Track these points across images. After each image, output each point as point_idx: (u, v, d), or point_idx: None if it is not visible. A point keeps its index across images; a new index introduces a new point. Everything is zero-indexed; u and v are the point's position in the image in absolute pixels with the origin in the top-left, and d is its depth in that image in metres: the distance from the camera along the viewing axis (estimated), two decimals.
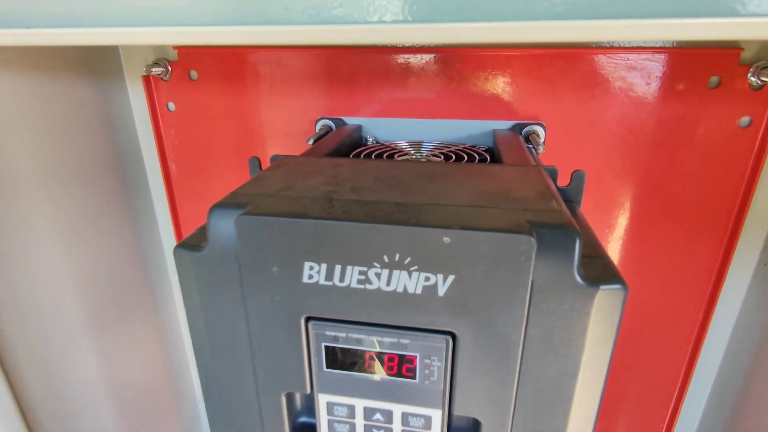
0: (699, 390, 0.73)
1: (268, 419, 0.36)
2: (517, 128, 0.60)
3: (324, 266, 0.29)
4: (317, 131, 0.65)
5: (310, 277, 0.29)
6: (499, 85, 0.60)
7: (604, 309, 0.26)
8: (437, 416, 0.33)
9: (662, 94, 0.56)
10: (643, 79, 0.56)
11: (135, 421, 0.80)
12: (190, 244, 0.32)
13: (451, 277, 0.27)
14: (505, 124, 0.61)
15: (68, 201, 0.64)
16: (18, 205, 0.57)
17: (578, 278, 0.26)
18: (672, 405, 0.74)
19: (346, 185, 0.34)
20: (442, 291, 0.28)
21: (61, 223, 0.63)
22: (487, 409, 0.31)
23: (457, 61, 0.60)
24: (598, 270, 0.27)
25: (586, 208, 0.57)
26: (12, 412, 0.56)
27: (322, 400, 0.34)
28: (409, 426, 0.34)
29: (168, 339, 0.88)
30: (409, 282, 0.28)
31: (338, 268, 0.28)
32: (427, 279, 0.27)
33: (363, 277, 0.28)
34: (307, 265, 0.29)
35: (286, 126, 0.68)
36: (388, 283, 0.28)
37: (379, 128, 0.64)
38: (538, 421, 0.31)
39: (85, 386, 0.69)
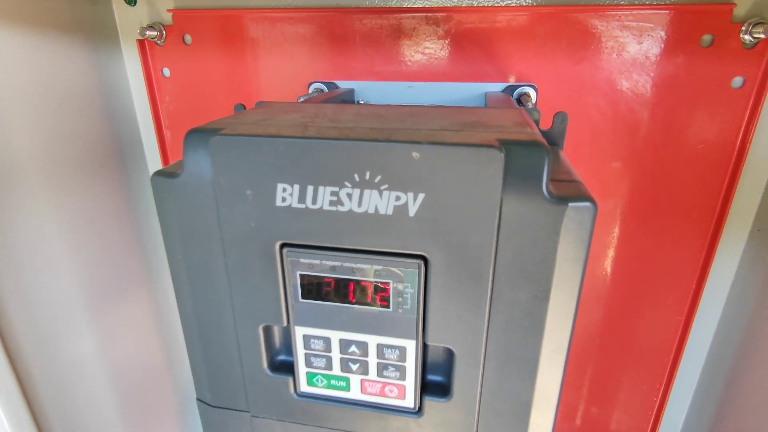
0: (692, 363, 0.73)
1: (247, 354, 0.37)
2: (509, 90, 0.60)
3: (297, 187, 0.29)
4: (309, 94, 0.65)
5: (284, 200, 0.29)
6: (491, 47, 0.60)
7: (574, 227, 0.26)
8: (411, 347, 0.33)
9: (655, 54, 0.55)
10: (635, 38, 0.55)
11: (131, 397, 0.81)
12: (168, 171, 0.32)
13: (421, 196, 0.27)
14: (497, 87, 0.60)
15: (62, 172, 0.64)
16: (10, 175, 0.57)
17: (547, 195, 0.26)
18: (665, 379, 0.73)
19: (325, 118, 0.34)
20: (412, 211, 0.28)
21: (55, 195, 0.63)
22: (459, 338, 0.31)
23: (449, 23, 0.60)
24: (568, 190, 0.27)
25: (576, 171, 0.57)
26: (12, 388, 0.57)
27: (299, 332, 0.35)
28: (384, 358, 0.34)
29: (164, 316, 0.88)
30: (380, 202, 0.28)
31: (310, 189, 0.29)
32: (397, 198, 0.28)
33: (335, 198, 0.28)
34: (280, 186, 0.29)
35: (280, 90, 0.69)
36: (360, 204, 0.28)
37: (371, 92, 0.64)
38: (510, 349, 0.31)
39: (83, 364, 0.70)
